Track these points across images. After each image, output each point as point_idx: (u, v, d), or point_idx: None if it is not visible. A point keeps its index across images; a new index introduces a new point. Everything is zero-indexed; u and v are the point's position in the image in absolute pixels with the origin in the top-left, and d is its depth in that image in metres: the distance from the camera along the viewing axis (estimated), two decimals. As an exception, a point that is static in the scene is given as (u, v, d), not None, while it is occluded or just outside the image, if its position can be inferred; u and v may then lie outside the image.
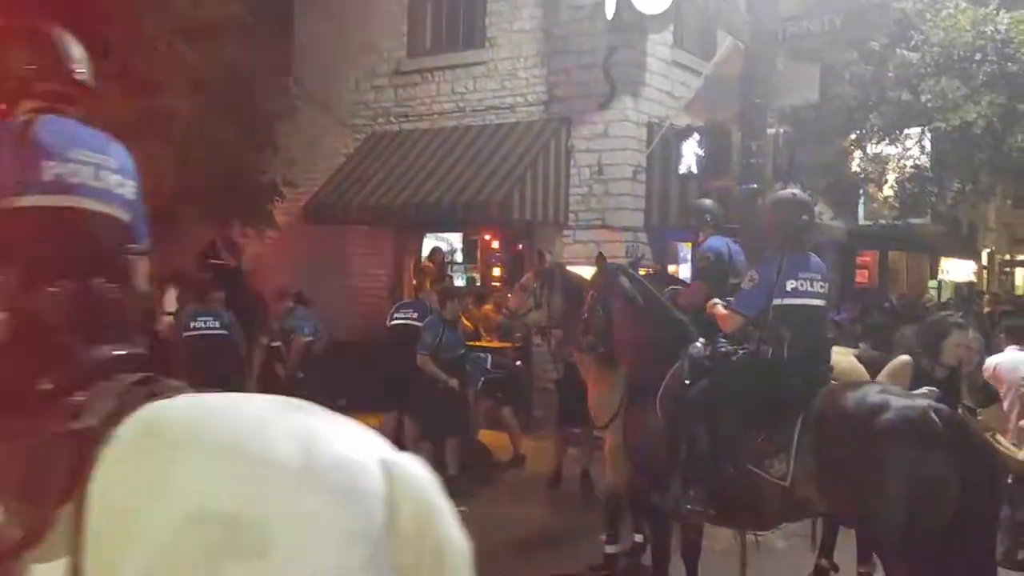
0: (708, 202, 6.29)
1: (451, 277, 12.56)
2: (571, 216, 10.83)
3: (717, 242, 5.85)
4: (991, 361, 6.82)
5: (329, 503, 1.79)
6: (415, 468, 1.95)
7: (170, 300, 8.90)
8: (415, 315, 9.21)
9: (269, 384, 8.50)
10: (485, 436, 9.58)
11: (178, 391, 2.13)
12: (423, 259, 12.46)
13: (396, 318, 9.33)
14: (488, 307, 11.02)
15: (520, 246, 12.57)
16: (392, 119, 12.15)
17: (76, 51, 2.67)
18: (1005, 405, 6.33)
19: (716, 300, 5.30)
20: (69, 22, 7.50)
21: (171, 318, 8.73)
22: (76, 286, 2.32)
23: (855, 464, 4.27)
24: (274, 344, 8.62)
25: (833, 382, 4.83)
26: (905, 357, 5.17)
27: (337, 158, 12.26)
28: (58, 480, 1.92)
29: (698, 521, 5.26)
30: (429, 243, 12.90)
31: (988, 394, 6.03)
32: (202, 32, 9.45)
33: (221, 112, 10.01)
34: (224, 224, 10.58)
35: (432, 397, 8.12)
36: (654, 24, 10.27)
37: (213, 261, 10.02)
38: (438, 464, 8.02)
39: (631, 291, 5.61)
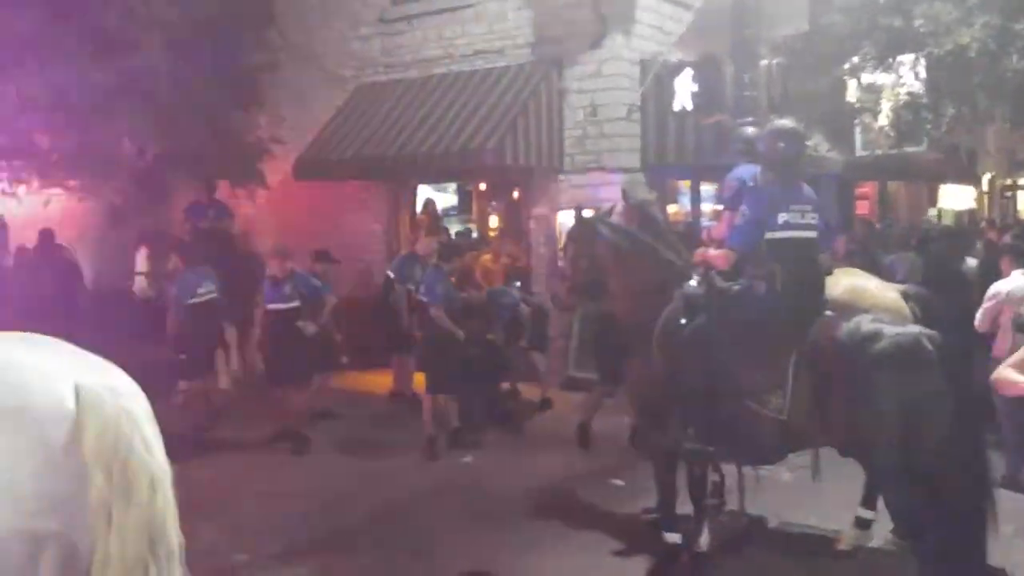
0: (747, 131, 6.16)
1: (446, 229, 12.51)
2: (566, 160, 10.70)
3: (742, 170, 5.72)
4: (997, 287, 6.75)
5: None
6: (108, 395, 2.16)
7: (141, 260, 8.96)
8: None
9: (296, 344, 8.25)
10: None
11: None
12: (418, 211, 12.38)
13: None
14: (487, 257, 10.97)
15: (516, 193, 12.48)
16: (380, 69, 11.96)
17: None
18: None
19: (704, 248, 5.29)
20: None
21: (143, 277, 8.77)
22: None
23: (851, 394, 4.26)
24: (294, 304, 8.44)
25: (828, 313, 4.78)
26: None
27: (325, 112, 12.09)
28: None
29: (698, 459, 5.28)
30: (423, 194, 12.80)
31: None
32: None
33: (202, 70, 9.84)
34: (211, 186, 10.48)
35: (427, 350, 8.13)
36: (643, -43, 10.05)
37: (202, 225, 9.98)
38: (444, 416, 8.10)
39: (613, 238, 5.57)
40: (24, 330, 2.51)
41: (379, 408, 9.55)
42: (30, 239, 11.73)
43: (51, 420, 2.07)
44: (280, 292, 8.33)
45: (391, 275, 9.69)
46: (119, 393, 2.19)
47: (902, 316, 5.21)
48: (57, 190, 10.30)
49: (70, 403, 2.09)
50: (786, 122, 5.13)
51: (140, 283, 8.92)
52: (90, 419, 2.09)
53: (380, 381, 10.10)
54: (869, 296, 5.16)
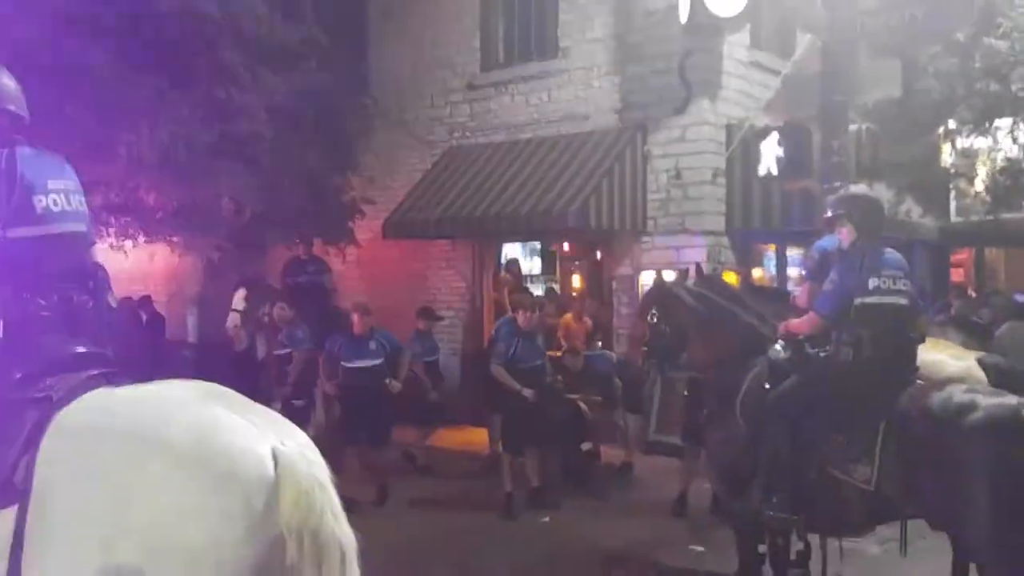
0: (831, 198, 6.13)
1: (527, 289, 12.63)
2: (649, 222, 10.74)
3: (826, 240, 5.69)
4: None
5: (209, 485, 2.05)
6: (303, 463, 2.16)
7: (238, 299, 9.34)
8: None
9: (379, 402, 8.33)
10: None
11: (130, 383, 2.47)
12: (502, 270, 12.55)
13: None
14: (568, 317, 11.02)
15: (599, 254, 12.54)
16: (468, 133, 12.27)
17: (11, 85, 3.02)
18: None
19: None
20: (154, 54, 7.83)
21: (237, 315, 9.14)
22: (56, 298, 2.71)
23: (943, 465, 4.12)
24: (377, 362, 8.59)
25: (919, 382, 4.66)
26: None
27: (415, 174, 12.44)
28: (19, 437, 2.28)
29: (781, 527, 5.16)
30: (508, 254, 12.97)
31: None
32: (281, 56, 9.71)
33: (301, 134, 10.28)
34: (309, 242, 10.89)
35: (502, 408, 8.16)
36: (730, 25, 10.12)
37: (301, 280, 10.35)
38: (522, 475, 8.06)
39: (695, 303, 5.58)
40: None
41: (468, 464, 9.60)
42: (135, 292, 12.34)
43: (255, 487, 2.09)
44: (364, 349, 8.35)
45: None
46: (311, 460, 2.22)
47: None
48: (161, 245, 10.81)
49: (270, 470, 2.11)
50: (859, 187, 5.10)
51: (233, 319, 9.30)
52: (287, 487, 2.10)
53: (474, 438, 10.18)
54: (938, 366, 5.02)
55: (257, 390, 8.68)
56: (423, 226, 11.54)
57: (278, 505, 2.07)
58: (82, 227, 2.93)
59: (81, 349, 2.66)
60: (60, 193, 2.86)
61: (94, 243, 3.09)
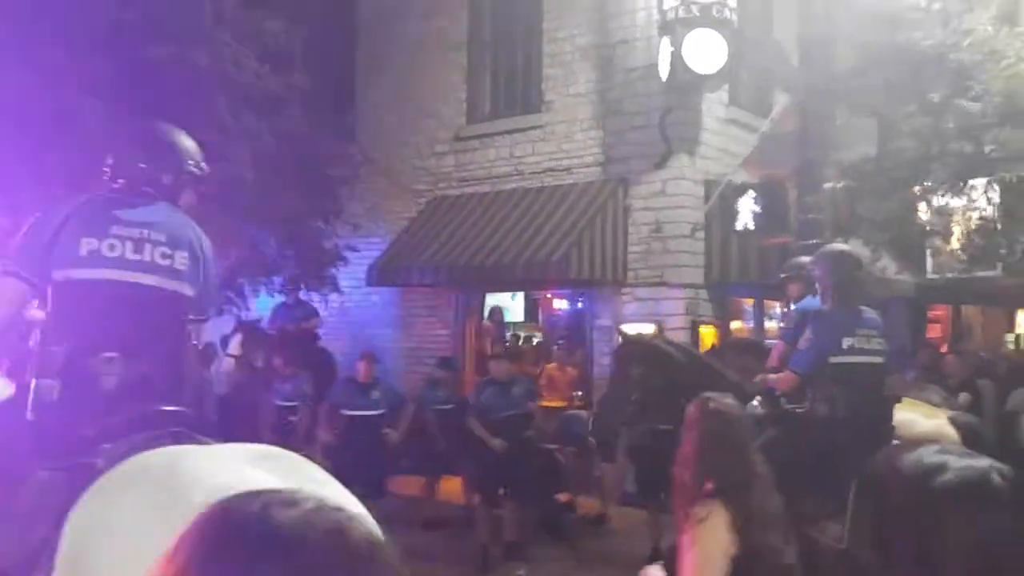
0: (804, 259, 6.20)
1: (509, 337, 12.67)
2: (630, 274, 10.85)
3: (807, 301, 5.74)
4: None
5: None
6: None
7: (235, 345, 9.36)
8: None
9: (377, 452, 8.27)
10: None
11: (197, 443, 2.36)
12: (484, 319, 12.59)
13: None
14: (551, 366, 11.06)
15: (580, 305, 12.63)
16: (453, 183, 12.40)
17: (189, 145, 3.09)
18: None
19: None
20: (143, 100, 7.86)
21: (233, 360, 9.11)
22: (119, 356, 2.57)
23: (913, 528, 4.15)
24: (380, 412, 8.54)
25: (895, 442, 4.72)
26: None
27: (400, 222, 12.54)
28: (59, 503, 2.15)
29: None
30: (491, 303, 13.01)
31: None
32: (267, 103, 9.82)
33: (286, 180, 10.35)
34: (294, 288, 10.92)
35: (477, 459, 8.19)
36: (709, 83, 10.35)
37: (289, 327, 10.37)
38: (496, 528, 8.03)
39: (678, 358, 5.64)
40: None
41: (445, 514, 9.54)
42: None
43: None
44: (366, 398, 8.28)
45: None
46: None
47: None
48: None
49: None
50: (837, 246, 5.19)
51: (228, 364, 9.32)
52: None
53: (451, 488, 10.11)
54: (909, 425, 5.08)
55: (237, 436, 8.63)
56: (407, 274, 11.61)
57: None
58: (163, 282, 2.75)
59: (147, 409, 2.53)
60: (126, 240, 2.69)
61: (201, 315, 2.91)
